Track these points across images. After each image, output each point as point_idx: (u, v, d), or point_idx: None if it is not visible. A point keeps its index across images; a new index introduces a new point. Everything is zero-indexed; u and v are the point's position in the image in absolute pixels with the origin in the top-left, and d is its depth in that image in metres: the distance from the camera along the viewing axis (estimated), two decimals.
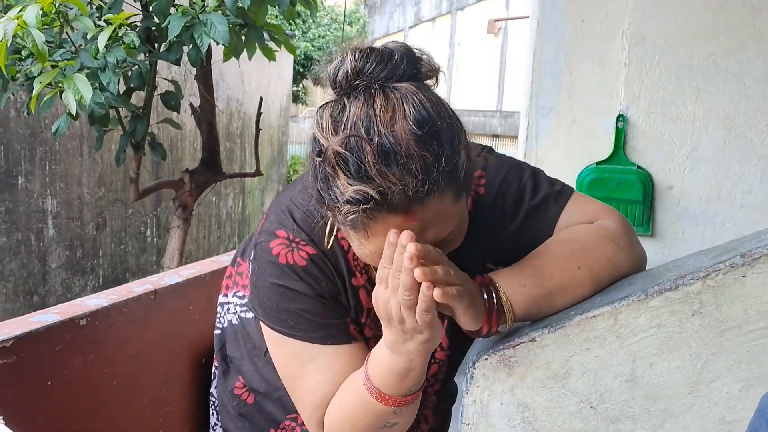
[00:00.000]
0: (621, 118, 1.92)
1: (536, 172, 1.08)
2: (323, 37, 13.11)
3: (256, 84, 10.51)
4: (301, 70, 13.07)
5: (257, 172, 5.09)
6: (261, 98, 5.22)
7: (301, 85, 14.60)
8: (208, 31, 3.27)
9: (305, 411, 1.03)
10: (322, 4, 16.30)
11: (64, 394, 1.40)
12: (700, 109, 1.87)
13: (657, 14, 1.87)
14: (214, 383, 1.45)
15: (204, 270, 1.88)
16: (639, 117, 1.92)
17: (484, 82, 28.83)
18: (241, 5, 3.36)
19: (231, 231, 10.08)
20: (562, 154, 2.00)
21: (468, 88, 29.18)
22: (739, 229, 1.87)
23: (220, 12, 3.29)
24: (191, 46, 3.39)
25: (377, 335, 0.97)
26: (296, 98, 14.18)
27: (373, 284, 0.95)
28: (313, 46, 13.19)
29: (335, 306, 1.01)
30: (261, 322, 1.06)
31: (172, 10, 3.36)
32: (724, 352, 0.80)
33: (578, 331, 0.84)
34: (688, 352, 0.81)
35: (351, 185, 0.79)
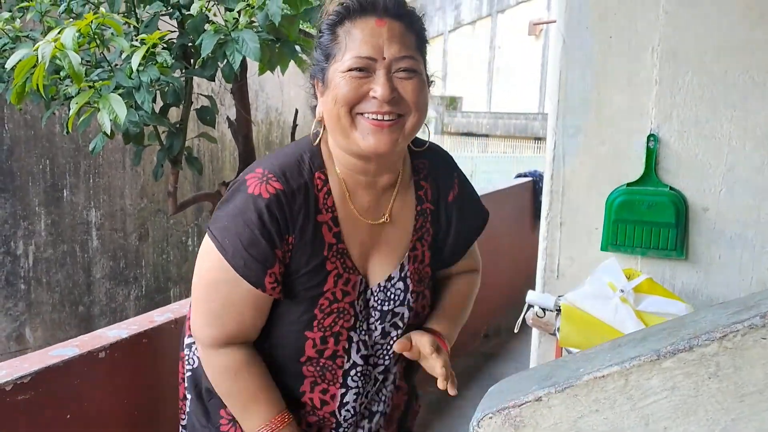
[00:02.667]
0: (652, 137, 1.85)
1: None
2: None
3: (295, 93, 10.59)
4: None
5: None
6: (296, 110, 5.23)
7: None
8: (240, 48, 3.29)
9: (201, 325, 1.18)
10: None
11: (84, 427, 1.41)
12: (736, 127, 1.78)
13: (689, 29, 1.79)
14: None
15: None
16: (671, 136, 1.84)
17: (526, 85, 28.48)
18: (272, 21, 3.37)
19: None
20: (590, 176, 1.93)
21: (509, 91, 28.86)
22: None
23: (251, 29, 3.32)
24: (225, 62, 3.42)
25: (338, 270, 1.16)
26: None
27: (336, 222, 1.16)
28: None
29: (269, 252, 1.11)
30: (207, 233, 1.16)
31: (207, 26, 3.40)
32: (744, 419, 0.74)
33: (587, 392, 0.79)
34: (705, 417, 0.76)
35: None
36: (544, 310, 1.89)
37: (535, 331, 2.02)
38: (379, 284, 1.23)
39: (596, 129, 1.91)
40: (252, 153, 4.62)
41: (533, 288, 2.00)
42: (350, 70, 1.07)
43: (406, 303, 1.26)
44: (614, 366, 0.78)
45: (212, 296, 1.16)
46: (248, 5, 3.46)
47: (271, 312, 1.19)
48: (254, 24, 3.50)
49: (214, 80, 3.77)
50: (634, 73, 1.86)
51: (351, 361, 1.22)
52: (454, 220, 1.31)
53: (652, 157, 1.85)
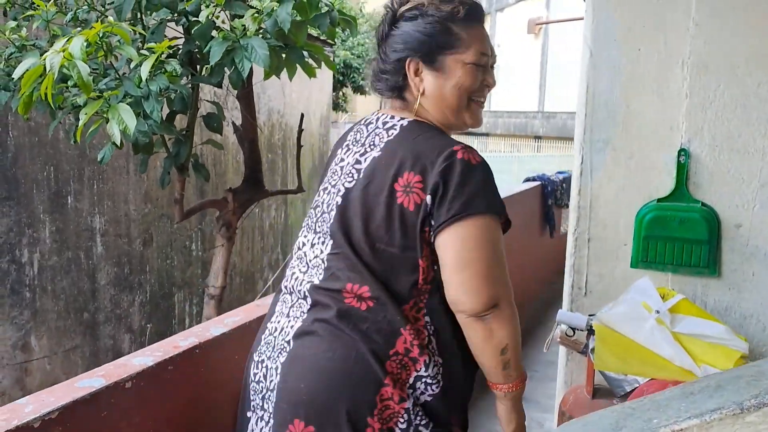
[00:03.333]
0: (683, 152, 1.81)
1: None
2: (362, 45, 13.10)
3: (297, 96, 10.55)
4: (341, 78, 13.08)
5: (299, 189, 5.08)
6: (302, 114, 5.20)
7: (341, 93, 14.61)
8: (249, 55, 3.25)
9: (504, 293, 1.24)
10: (361, 11, 16.24)
11: None
12: None
13: (721, 41, 1.75)
14: (412, 397, 1.26)
15: (248, 317, 1.83)
16: (703, 151, 1.80)
17: (525, 83, 28.43)
18: (281, 28, 3.33)
19: (274, 242, 10.12)
20: (619, 191, 1.89)
21: (509, 90, 28.80)
22: None
23: (260, 35, 3.28)
24: (233, 69, 3.38)
25: None
26: (336, 106, 14.21)
27: None
28: (352, 54, 13.19)
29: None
30: (477, 219, 1.23)
31: (214, 33, 3.36)
32: None
33: None
34: None
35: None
36: (573, 329, 1.85)
37: (562, 349, 1.98)
38: None
39: (625, 143, 1.87)
40: (258, 158, 4.58)
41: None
42: (475, 64, 1.33)
43: None
44: (693, 419, 0.74)
45: (501, 260, 1.25)
46: (257, 12, 3.42)
47: None
48: (262, 30, 3.46)
49: (221, 87, 3.73)
50: (664, 85, 1.82)
51: None
52: None
53: (683, 171, 1.81)
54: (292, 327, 1.33)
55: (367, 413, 1.21)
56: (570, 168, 3.38)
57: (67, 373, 5.10)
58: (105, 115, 2.94)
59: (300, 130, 4.77)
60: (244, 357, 1.81)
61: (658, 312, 1.61)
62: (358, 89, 14.22)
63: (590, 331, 1.71)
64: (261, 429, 1.33)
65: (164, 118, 3.36)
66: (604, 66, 1.86)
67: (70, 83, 3.31)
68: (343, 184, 1.35)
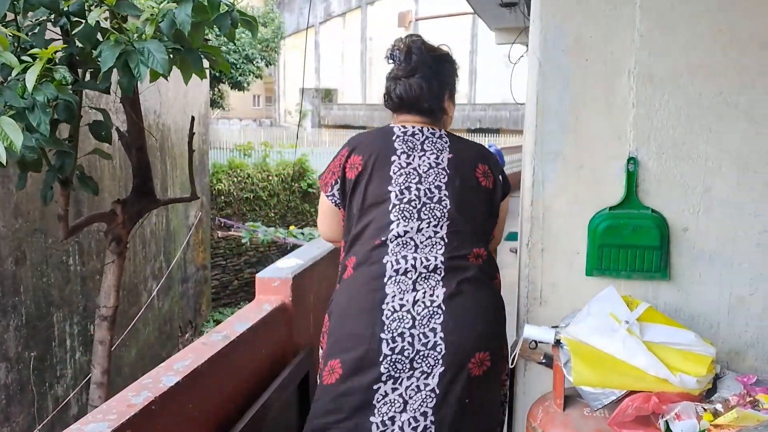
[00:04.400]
0: (632, 160, 1.85)
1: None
2: (239, 40, 12.69)
3: (173, 94, 10.02)
4: (218, 74, 12.61)
5: (193, 196, 4.82)
6: (192, 117, 4.94)
7: (216, 89, 14.10)
8: (146, 59, 3.00)
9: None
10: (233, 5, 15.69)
11: None
12: (712, 148, 1.81)
13: (664, 52, 1.80)
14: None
15: (198, 359, 1.67)
16: (650, 159, 1.85)
17: None
18: (180, 29, 3.11)
19: (156, 250, 9.58)
20: (571, 200, 1.91)
21: (383, 83, 29.05)
22: (756, 269, 1.84)
23: (156, 37, 3.04)
24: (125, 73, 3.12)
25: None
26: (213, 103, 13.69)
27: None
28: (227, 48, 12.75)
29: None
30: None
31: (99, 35, 3.08)
32: None
33: None
34: None
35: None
36: (536, 341, 1.84)
37: (521, 360, 1.97)
38: None
39: (575, 153, 1.89)
40: (147, 166, 4.28)
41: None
42: None
43: None
44: None
45: None
46: (153, 14, 3.18)
47: None
48: (158, 33, 3.22)
49: (109, 93, 3.45)
50: (612, 96, 1.84)
51: None
52: None
53: (632, 180, 1.85)
54: (434, 295, 1.71)
55: (505, 331, 1.83)
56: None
57: None
58: None
59: (191, 134, 4.52)
60: (204, 412, 1.65)
61: (627, 322, 1.63)
62: (236, 85, 13.78)
63: (557, 344, 1.71)
64: (407, 388, 1.67)
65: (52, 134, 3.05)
66: (553, 77, 1.86)
67: None
68: (440, 180, 1.81)
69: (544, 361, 1.96)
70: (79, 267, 7.02)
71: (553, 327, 1.77)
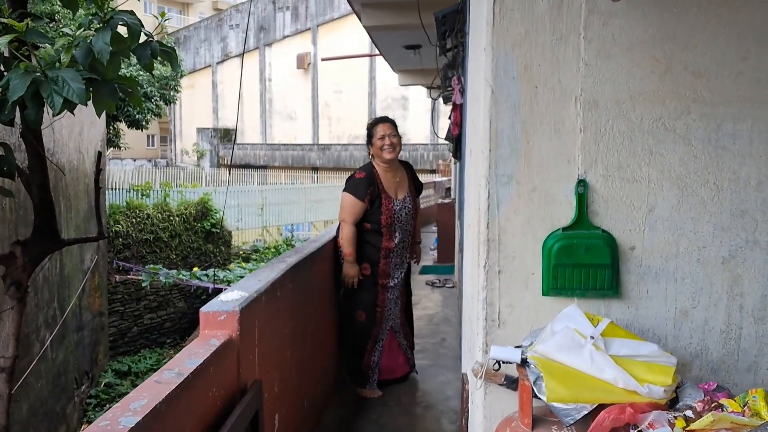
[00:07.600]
0: (581, 183, 1.92)
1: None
2: (137, 77, 12.28)
3: (68, 131, 9.53)
4: (114, 112, 12.09)
5: (100, 235, 4.56)
6: (99, 153, 4.69)
7: (112, 128, 13.52)
8: (61, 89, 2.85)
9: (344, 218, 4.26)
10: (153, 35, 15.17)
11: None
12: (653, 170, 1.92)
13: (607, 80, 1.90)
14: None
15: (157, 396, 1.55)
16: (598, 181, 1.93)
17: (299, 117, 28.95)
18: (95, 58, 2.98)
19: (50, 296, 8.94)
20: (525, 222, 1.95)
21: (284, 123, 29.07)
22: (697, 283, 1.94)
23: (72, 66, 2.89)
24: (33, 105, 2.93)
25: (388, 222, 4.12)
26: (109, 142, 13.11)
27: (387, 195, 4.16)
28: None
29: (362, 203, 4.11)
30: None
31: (4, 66, 2.89)
32: None
33: None
34: None
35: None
36: (498, 362, 1.85)
37: (480, 381, 1.97)
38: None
39: (527, 176, 1.94)
40: (50, 205, 4.03)
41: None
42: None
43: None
44: None
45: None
46: (69, 42, 3.04)
47: None
48: (73, 63, 3.08)
49: (13, 125, 3.25)
50: (560, 121, 1.92)
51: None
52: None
53: (582, 201, 1.92)
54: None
55: None
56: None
57: None
58: None
59: (99, 170, 4.31)
60: None
61: (592, 338, 1.68)
62: (134, 123, 13.25)
63: (524, 363, 1.72)
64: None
65: None
66: (505, 103, 1.92)
67: None
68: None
69: (504, 383, 1.97)
70: None
71: (516, 347, 1.79)
